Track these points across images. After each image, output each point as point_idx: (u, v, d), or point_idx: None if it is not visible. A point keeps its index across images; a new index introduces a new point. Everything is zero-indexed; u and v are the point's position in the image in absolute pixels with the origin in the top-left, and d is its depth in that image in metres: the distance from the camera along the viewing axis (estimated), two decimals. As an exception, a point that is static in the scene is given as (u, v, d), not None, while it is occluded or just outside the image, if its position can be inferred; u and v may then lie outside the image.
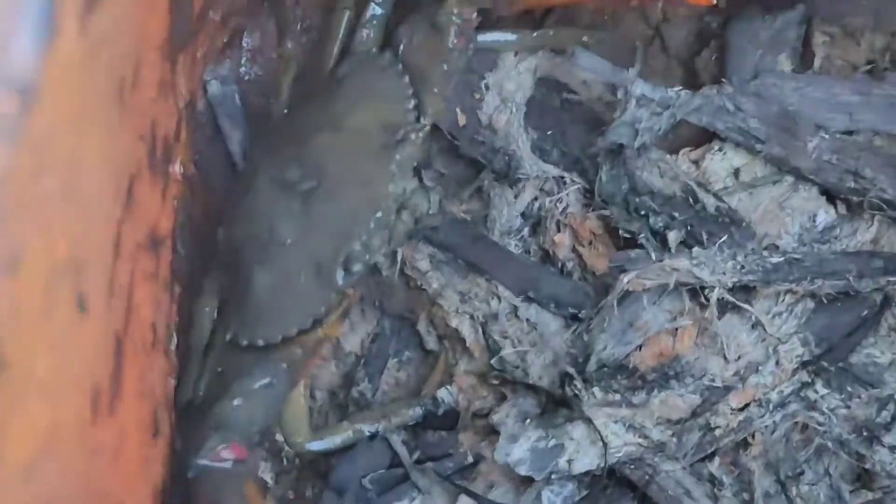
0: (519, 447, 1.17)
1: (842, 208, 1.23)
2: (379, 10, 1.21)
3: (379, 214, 1.13)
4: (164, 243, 1.09)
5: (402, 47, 1.19)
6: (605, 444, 1.17)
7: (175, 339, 1.14)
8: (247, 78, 1.29)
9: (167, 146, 1.09)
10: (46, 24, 0.56)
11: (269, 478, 1.23)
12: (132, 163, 0.94)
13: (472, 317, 1.24)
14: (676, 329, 1.19)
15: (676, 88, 1.20)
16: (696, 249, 1.17)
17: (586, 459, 1.17)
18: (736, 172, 1.23)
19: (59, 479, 0.73)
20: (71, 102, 0.68)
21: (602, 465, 1.17)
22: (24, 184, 0.58)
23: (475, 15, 1.18)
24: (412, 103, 1.17)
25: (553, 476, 1.18)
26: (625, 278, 1.16)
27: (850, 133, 1.22)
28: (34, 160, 0.59)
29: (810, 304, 1.20)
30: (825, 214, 1.22)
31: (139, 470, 0.99)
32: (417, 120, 1.17)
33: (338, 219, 1.12)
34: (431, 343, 1.28)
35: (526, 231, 1.26)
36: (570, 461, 1.17)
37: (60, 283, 0.72)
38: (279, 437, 1.20)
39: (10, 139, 0.51)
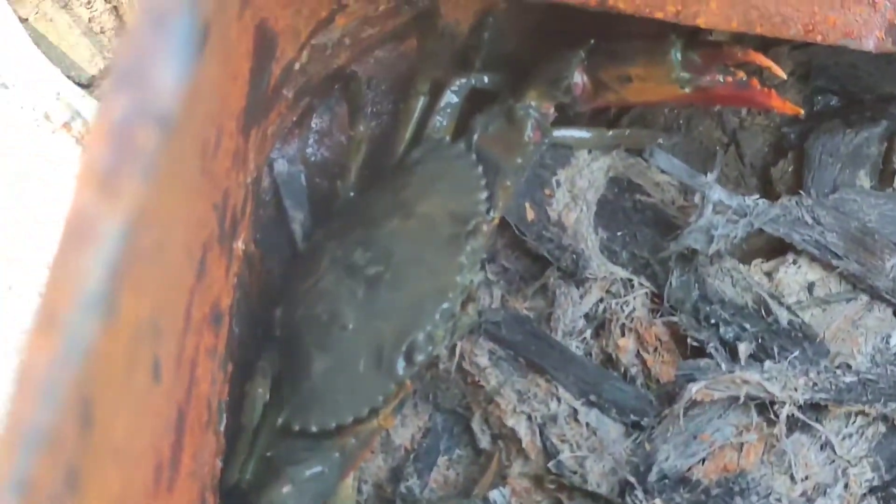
0: (575, 556, 1.13)
1: (916, 331, 1.19)
2: (454, 99, 1.20)
3: (446, 305, 1.10)
4: (223, 319, 1.06)
5: (476, 137, 1.18)
6: (665, 560, 1.13)
7: (224, 419, 1.11)
8: (313, 159, 1.27)
9: (234, 221, 1.07)
10: (192, 44, 0.52)
11: (312, 572, 1.18)
12: (206, 232, 0.92)
13: (529, 417, 1.20)
14: (742, 444, 1.15)
15: (754, 197, 1.18)
16: (767, 363, 1.14)
17: (645, 574, 1.13)
18: (810, 287, 1.20)
19: (123, 551, 0.69)
20: (169, 156, 0.66)
21: (661, 580, 1.13)
22: (134, 233, 0.55)
23: (552, 110, 1.17)
24: (484, 195, 1.15)
25: (610, 590, 1.13)
26: (693, 388, 1.13)
27: (928, 257, 1.19)
28: (141, 210, 0.56)
29: (882, 427, 1.16)
30: (899, 336, 1.19)
31: (187, 553, 0.95)
32: (488, 212, 1.15)
33: (403, 307, 1.09)
34: (485, 442, 1.23)
35: (589, 333, 1.22)
36: (628, 575, 1.13)
37: (141, 346, 0.69)
38: (324, 530, 1.16)
39: (144, 177, 0.48)
